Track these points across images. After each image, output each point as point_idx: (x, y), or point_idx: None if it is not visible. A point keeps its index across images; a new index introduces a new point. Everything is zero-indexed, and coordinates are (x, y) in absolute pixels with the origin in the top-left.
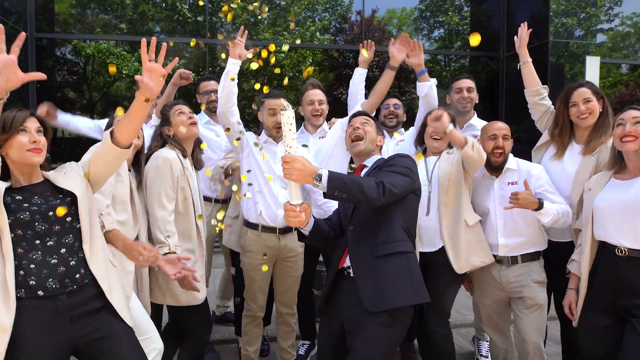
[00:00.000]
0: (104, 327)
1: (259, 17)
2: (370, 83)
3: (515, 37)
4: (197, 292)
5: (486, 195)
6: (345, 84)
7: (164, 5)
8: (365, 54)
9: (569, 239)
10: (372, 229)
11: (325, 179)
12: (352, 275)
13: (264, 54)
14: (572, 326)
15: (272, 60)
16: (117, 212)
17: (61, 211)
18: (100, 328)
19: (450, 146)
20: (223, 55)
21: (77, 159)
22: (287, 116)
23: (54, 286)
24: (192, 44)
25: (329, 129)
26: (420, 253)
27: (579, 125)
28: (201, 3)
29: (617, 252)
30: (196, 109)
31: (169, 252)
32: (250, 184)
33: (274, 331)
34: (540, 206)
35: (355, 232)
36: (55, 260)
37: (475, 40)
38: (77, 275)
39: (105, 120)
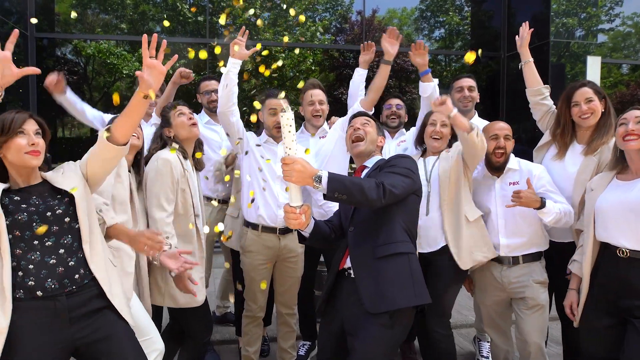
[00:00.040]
0: (103, 328)
1: (257, 19)
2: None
3: (517, 36)
4: (193, 295)
5: (487, 196)
6: (345, 84)
7: (164, 4)
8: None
9: (570, 239)
10: (372, 230)
11: (325, 180)
12: (352, 276)
13: (265, 52)
14: (573, 327)
15: (274, 65)
16: (117, 213)
17: (41, 230)
18: (100, 329)
19: (450, 146)
20: (221, 64)
21: (77, 159)
22: (287, 117)
23: (53, 286)
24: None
25: (329, 127)
26: (420, 253)
27: (580, 125)
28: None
29: (619, 253)
30: (196, 109)
31: None
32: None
33: (274, 331)
34: (542, 205)
35: (355, 233)
36: (54, 261)
37: (470, 57)
38: (77, 276)
39: (111, 115)
